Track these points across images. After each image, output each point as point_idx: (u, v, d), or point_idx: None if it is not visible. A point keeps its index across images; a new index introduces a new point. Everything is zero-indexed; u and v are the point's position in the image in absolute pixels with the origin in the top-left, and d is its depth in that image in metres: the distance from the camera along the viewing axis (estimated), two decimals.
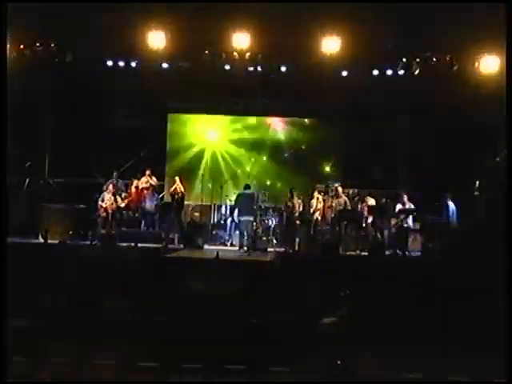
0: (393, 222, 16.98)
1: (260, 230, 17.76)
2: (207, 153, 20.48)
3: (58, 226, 17.11)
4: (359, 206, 17.29)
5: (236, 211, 17.13)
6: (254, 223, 17.10)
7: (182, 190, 17.89)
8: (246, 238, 16.58)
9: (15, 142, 17.89)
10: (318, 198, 17.15)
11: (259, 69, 18.53)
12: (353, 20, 18.27)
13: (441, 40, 17.57)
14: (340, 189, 17.41)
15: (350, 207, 17.21)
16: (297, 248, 16.65)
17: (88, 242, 16.27)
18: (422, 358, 10.95)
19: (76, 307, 12.77)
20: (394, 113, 20.03)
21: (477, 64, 16.93)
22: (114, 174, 18.22)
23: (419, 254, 16.28)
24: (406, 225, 16.62)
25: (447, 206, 16.50)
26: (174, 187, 17.97)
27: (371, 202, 17.15)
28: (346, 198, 17.23)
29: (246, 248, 16.41)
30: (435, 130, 19.01)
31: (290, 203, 17.06)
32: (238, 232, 17.08)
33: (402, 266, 15.03)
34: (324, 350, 10.98)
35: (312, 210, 17.04)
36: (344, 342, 11.29)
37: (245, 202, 16.74)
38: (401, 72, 17.62)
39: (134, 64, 18.03)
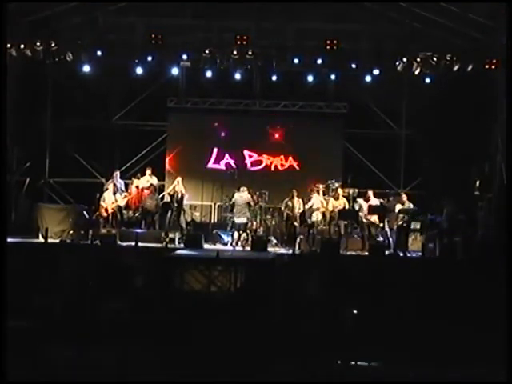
0: (393, 222, 16.96)
1: (260, 230, 17.74)
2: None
3: (58, 225, 17.11)
4: (362, 206, 17.19)
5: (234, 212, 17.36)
6: (249, 224, 17.19)
7: (183, 191, 17.82)
8: (239, 237, 16.92)
9: (15, 142, 17.96)
10: (317, 197, 17.12)
11: (260, 68, 18.54)
12: (353, 20, 18.35)
13: (440, 40, 17.60)
14: (340, 190, 17.39)
15: (349, 207, 17.18)
16: (297, 248, 16.63)
17: (88, 242, 16.26)
18: (422, 357, 10.95)
19: (76, 307, 12.78)
20: (394, 112, 20.00)
21: (477, 64, 16.91)
22: (115, 173, 18.22)
23: (419, 254, 16.26)
24: (406, 225, 16.58)
25: (445, 206, 16.48)
26: (172, 187, 17.90)
27: (373, 201, 17.10)
28: (346, 200, 17.20)
29: (241, 247, 16.66)
30: (435, 129, 19.03)
31: (290, 203, 17.04)
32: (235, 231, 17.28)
33: (402, 265, 15.03)
34: (324, 349, 10.99)
35: (311, 210, 16.99)
36: (344, 341, 11.30)
37: (237, 204, 16.99)
38: (400, 72, 17.59)
39: (134, 64, 18.00)
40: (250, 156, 20.40)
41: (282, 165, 20.24)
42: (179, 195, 17.66)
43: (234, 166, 20.21)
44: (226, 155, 20.34)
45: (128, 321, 12.47)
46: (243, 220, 17.02)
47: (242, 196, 17.14)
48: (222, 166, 20.33)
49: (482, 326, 12.30)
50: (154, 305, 13.04)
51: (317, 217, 16.95)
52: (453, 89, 18.02)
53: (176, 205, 17.56)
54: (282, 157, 20.22)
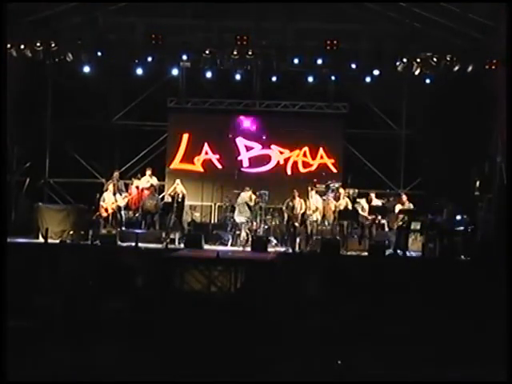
0: (393, 222, 16.97)
1: (260, 231, 17.75)
2: None
3: (58, 225, 17.12)
4: (363, 206, 17.17)
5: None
6: (249, 224, 17.19)
7: (184, 192, 17.82)
8: (239, 237, 17.05)
9: (15, 142, 17.96)
10: (316, 197, 17.10)
11: (260, 68, 18.55)
12: (353, 20, 18.37)
13: (440, 40, 17.61)
14: (342, 190, 17.37)
15: (350, 207, 17.17)
16: (297, 248, 16.65)
17: (88, 242, 16.27)
18: (422, 357, 10.95)
19: (76, 307, 12.77)
20: (394, 112, 20.00)
21: (477, 64, 16.91)
22: (115, 174, 18.23)
23: (419, 253, 16.27)
24: (406, 225, 16.58)
25: (445, 206, 16.50)
26: (172, 189, 17.89)
27: (375, 203, 17.09)
28: (348, 200, 17.19)
29: (241, 247, 16.79)
30: (435, 129, 19.03)
31: (291, 203, 17.03)
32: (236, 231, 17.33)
33: (402, 266, 15.03)
34: (324, 349, 10.99)
35: (310, 210, 16.95)
36: (344, 341, 11.30)
37: (237, 204, 17.23)
38: (400, 72, 17.59)
39: (134, 64, 18.01)
40: (249, 148, 20.23)
41: (306, 163, 19.95)
42: (180, 196, 17.66)
43: (219, 165, 19.99)
44: (205, 146, 20.07)
45: (128, 321, 12.48)
46: (241, 219, 17.09)
47: (242, 196, 17.22)
48: (196, 165, 20.07)
49: (482, 326, 12.31)
50: (154, 305, 13.03)
51: (316, 217, 16.94)
52: (453, 89, 18.02)
53: (176, 205, 17.55)
54: (305, 149, 19.95)
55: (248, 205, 17.19)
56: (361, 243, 16.70)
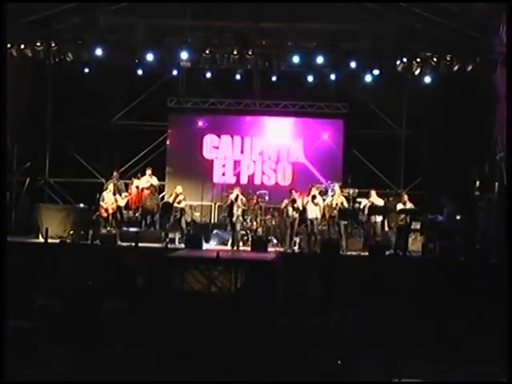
0: (393, 221, 16.96)
1: (260, 231, 17.74)
2: None
3: (58, 225, 17.11)
4: (362, 205, 17.14)
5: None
6: (244, 223, 17.21)
7: (185, 199, 17.72)
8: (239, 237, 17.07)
9: (16, 142, 17.96)
10: (314, 197, 17.06)
11: (260, 68, 18.53)
12: (353, 20, 18.38)
13: (440, 40, 17.61)
14: (337, 188, 17.29)
15: (349, 207, 17.14)
16: (297, 248, 16.64)
17: (88, 242, 16.26)
18: (422, 357, 10.96)
19: (76, 307, 12.77)
20: (394, 112, 19.99)
21: (477, 64, 16.90)
22: (114, 173, 18.22)
23: (419, 254, 16.26)
24: (406, 225, 16.56)
25: (445, 206, 16.49)
26: (174, 195, 17.76)
27: (376, 201, 17.04)
28: (344, 198, 17.12)
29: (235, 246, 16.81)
30: (435, 129, 19.03)
31: (289, 203, 16.99)
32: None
33: (402, 266, 15.03)
34: (324, 349, 11.00)
35: (310, 208, 16.92)
36: (344, 341, 11.31)
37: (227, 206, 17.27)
38: (400, 72, 17.59)
39: (134, 64, 18.00)
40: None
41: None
42: (181, 202, 17.58)
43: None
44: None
45: (128, 321, 12.48)
46: (233, 219, 17.07)
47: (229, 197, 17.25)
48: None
49: (481, 325, 12.31)
50: (154, 305, 13.04)
51: (316, 215, 16.88)
52: (453, 89, 18.02)
53: (176, 206, 17.52)
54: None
55: (231, 205, 17.14)
56: (365, 242, 16.65)
